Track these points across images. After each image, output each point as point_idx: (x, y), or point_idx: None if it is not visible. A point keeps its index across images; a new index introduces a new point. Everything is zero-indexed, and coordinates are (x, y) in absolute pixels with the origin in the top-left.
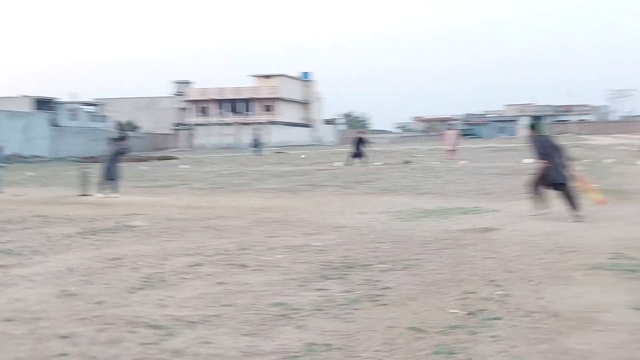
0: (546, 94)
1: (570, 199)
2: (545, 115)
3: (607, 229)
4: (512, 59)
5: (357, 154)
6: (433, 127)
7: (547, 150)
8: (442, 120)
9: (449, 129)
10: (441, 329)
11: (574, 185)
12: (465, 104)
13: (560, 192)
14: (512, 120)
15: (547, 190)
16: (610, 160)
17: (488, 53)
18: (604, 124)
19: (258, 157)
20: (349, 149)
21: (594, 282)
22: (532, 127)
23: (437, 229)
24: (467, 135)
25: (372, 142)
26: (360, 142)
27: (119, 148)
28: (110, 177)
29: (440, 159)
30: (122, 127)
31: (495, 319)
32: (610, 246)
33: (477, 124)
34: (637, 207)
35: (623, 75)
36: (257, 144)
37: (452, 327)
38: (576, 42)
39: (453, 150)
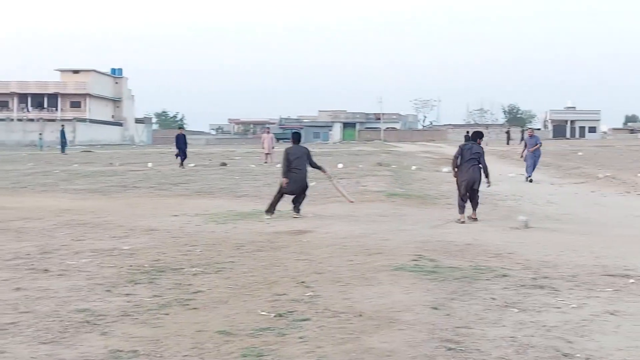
0: (358, 102)
1: (301, 201)
2: (356, 122)
3: (411, 232)
4: (328, 65)
5: (182, 153)
6: (249, 129)
7: (295, 157)
8: (258, 123)
9: (266, 132)
10: (251, 332)
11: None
12: (280, 108)
13: (300, 195)
14: (326, 126)
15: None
16: (414, 167)
17: (302, 57)
18: (410, 132)
19: (63, 156)
20: (173, 149)
21: (397, 283)
22: (295, 137)
23: (251, 232)
24: (283, 139)
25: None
26: (182, 140)
27: None
28: None
29: (257, 161)
30: None
31: (304, 320)
32: (412, 248)
33: (292, 129)
34: (439, 211)
35: (428, 87)
36: (62, 142)
37: (262, 330)
38: (387, 53)
39: (269, 154)
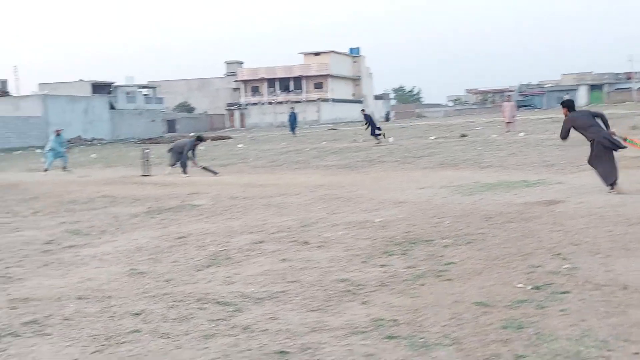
0: (606, 62)
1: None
2: (604, 83)
3: None
4: (567, 23)
5: (374, 130)
6: (487, 99)
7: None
8: (497, 92)
9: (506, 101)
10: (508, 304)
11: None
12: (520, 74)
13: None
14: (570, 90)
15: None
16: None
17: (539, 17)
18: None
19: (294, 136)
20: (365, 126)
21: None
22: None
23: (500, 203)
24: (524, 106)
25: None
26: (370, 118)
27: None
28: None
29: (499, 131)
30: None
31: (564, 292)
32: None
33: (533, 95)
34: None
35: None
36: (292, 124)
37: (520, 302)
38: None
39: (511, 122)
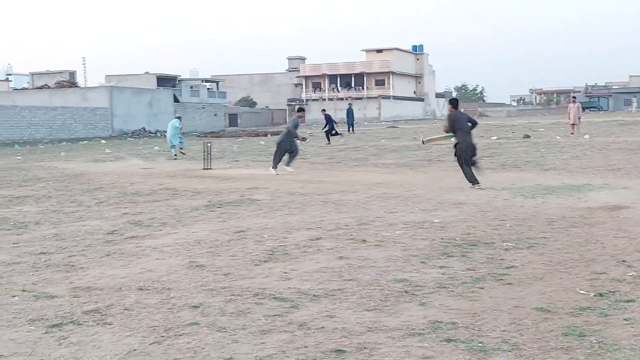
0: None
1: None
2: None
3: None
4: (635, 24)
5: (331, 131)
6: (552, 99)
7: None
8: (562, 93)
9: (572, 102)
10: (570, 310)
11: None
12: (586, 75)
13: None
14: (638, 92)
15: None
16: None
17: (608, 18)
18: None
19: (352, 134)
20: (324, 128)
21: None
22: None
23: (562, 207)
24: (589, 108)
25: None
26: (330, 118)
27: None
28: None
29: (563, 133)
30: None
31: (628, 301)
32: None
33: (600, 96)
34: None
35: None
36: (349, 121)
37: (582, 309)
38: None
39: (575, 124)
